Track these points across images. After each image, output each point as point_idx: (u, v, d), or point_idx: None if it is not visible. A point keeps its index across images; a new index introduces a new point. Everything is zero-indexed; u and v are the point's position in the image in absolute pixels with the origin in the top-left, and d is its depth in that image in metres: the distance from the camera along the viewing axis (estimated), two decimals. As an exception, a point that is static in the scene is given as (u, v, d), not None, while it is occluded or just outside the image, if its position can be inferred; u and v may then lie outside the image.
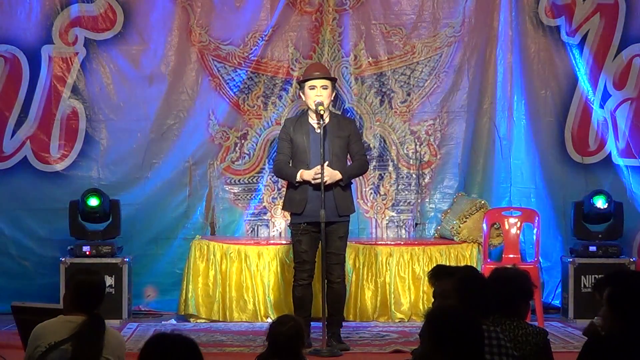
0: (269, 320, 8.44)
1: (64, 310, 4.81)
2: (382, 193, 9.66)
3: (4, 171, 9.38)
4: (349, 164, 7.78)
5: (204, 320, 8.89)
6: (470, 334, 3.47)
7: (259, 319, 8.86)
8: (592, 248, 8.99)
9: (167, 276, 9.44)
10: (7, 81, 9.37)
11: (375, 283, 8.96)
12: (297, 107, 9.39)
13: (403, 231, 9.65)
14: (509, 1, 9.58)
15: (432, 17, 9.62)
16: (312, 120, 7.68)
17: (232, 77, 9.56)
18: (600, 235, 9.07)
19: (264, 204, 9.61)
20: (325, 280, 7.48)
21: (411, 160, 9.68)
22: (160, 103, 9.52)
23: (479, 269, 8.84)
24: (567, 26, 9.54)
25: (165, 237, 9.52)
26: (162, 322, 8.90)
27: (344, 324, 7.96)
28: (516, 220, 9.06)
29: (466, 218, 9.16)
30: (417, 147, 9.67)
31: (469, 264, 8.94)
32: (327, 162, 7.45)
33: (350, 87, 9.64)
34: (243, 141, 9.61)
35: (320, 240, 7.51)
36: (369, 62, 9.63)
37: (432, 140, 9.68)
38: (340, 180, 7.54)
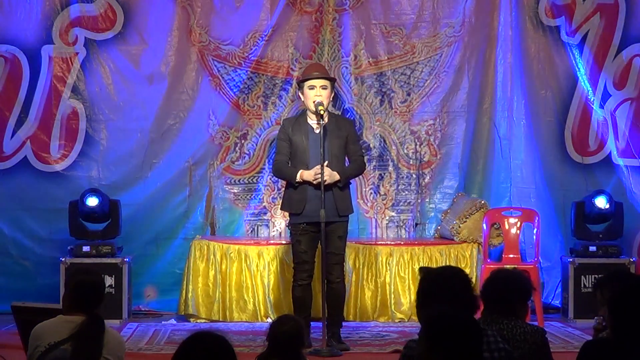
0: (269, 320, 8.45)
1: (63, 310, 4.81)
2: (382, 193, 9.66)
3: (4, 171, 9.39)
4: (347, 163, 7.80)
5: (204, 320, 8.89)
6: (468, 334, 3.47)
7: (259, 319, 8.86)
8: (592, 248, 9.00)
9: (167, 276, 9.44)
10: (7, 81, 9.38)
11: (375, 283, 8.96)
12: (297, 107, 9.39)
13: (403, 231, 9.65)
14: (509, 1, 9.58)
15: (432, 17, 9.62)
16: (311, 120, 7.68)
17: (232, 77, 9.57)
18: (600, 235, 9.08)
19: (264, 204, 9.62)
20: (325, 280, 7.49)
21: (411, 160, 9.68)
22: (160, 103, 9.52)
23: (479, 269, 8.87)
24: (567, 26, 9.54)
25: (165, 237, 9.53)
26: (162, 322, 8.89)
27: (344, 324, 7.96)
28: (516, 220, 9.06)
29: (466, 218, 9.16)
30: (417, 147, 9.68)
31: (469, 264, 8.96)
32: (326, 163, 7.45)
33: (350, 87, 9.64)
34: (243, 141, 9.61)
35: (319, 240, 7.51)
36: (369, 62, 9.64)
37: (432, 140, 9.68)
38: (339, 181, 7.54)
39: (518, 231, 9.03)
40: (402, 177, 9.68)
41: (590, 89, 9.53)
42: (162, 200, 9.53)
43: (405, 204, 9.69)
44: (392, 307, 8.92)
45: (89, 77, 9.45)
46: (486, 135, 9.70)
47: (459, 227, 9.16)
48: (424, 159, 9.69)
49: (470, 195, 9.51)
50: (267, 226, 9.62)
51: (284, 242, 9.00)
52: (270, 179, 9.54)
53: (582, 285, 8.88)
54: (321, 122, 7.49)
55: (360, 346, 7.82)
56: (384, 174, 9.68)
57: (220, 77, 9.56)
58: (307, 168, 7.55)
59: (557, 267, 9.38)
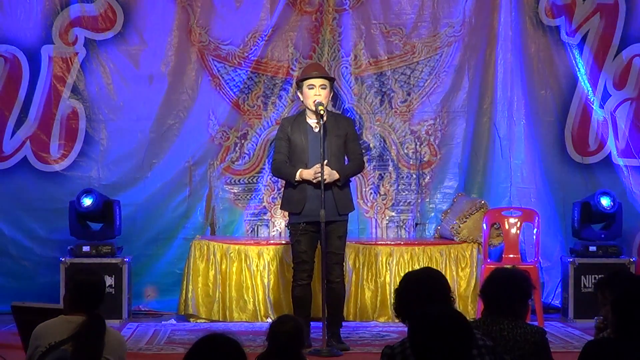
0: (269, 320, 8.45)
1: (64, 311, 4.81)
2: (382, 193, 9.66)
3: (4, 171, 9.39)
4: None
5: (204, 320, 8.89)
6: (458, 333, 3.49)
7: (259, 319, 8.86)
8: (592, 248, 8.99)
9: (167, 276, 9.44)
10: (7, 81, 9.38)
11: (375, 283, 8.96)
12: (297, 107, 9.38)
13: (403, 231, 9.65)
14: (509, 1, 9.58)
15: (432, 17, 9.62)
16: (310, 119, 7.68)
17: (232, 77, 9.57)
18: (600, 236, 9.08)
19: (263, 204, 9.62)
20: (325, 280, 7.48)
21: (411, 160, 9.68)
22: (160, 103, 9.52)
23: (479, 269, 8.88)
24: (567, 26, 9.54)
25: (165, 237, 9.53)
26: (162, 322, 8.89)
27: (344, 324, 7.96)
28: (516, 220, 9.06)
29: (466, 218, 9.16)
30: (417, 147, 9.68)
31: (469, 264, 8.97)
32: (325, 162, 7.45)
33: (350, 87, 9.64)
34: (243, 141, 9.61)
35: (319, 240, 7.51)
36: (369, 62, 9.64)
37: (432, 140, 9.68)
38: (338, 180, 7.54)
39: (518, 231, 9.03)
40: (402, 177, 9.68)
41: (590, 89, 9.53)
42: (162, 200, 9.53)
43: (405, 204, 9.69)
44: (392, 307, 8.91)
45: (88, 77, 9.45)
46: (486, 135, 9.70)
47: (459, 227, 9.16)
48: (424, 159, 9.69)
49: (470, 195, 9.51)
50: (267, 226, 9.62)
51: (283, 242, 9.00)
52: (270, 179, 9.54)
53: (582, 285, 8.88)
54: (321, 122, 7.49)
55: (360, 346, 7.82)
56: (384, 174, 9.68)
57: (220, 77, 9.56)
58: (306, 167, 7.54)
59: (557, 267, 9.38)
